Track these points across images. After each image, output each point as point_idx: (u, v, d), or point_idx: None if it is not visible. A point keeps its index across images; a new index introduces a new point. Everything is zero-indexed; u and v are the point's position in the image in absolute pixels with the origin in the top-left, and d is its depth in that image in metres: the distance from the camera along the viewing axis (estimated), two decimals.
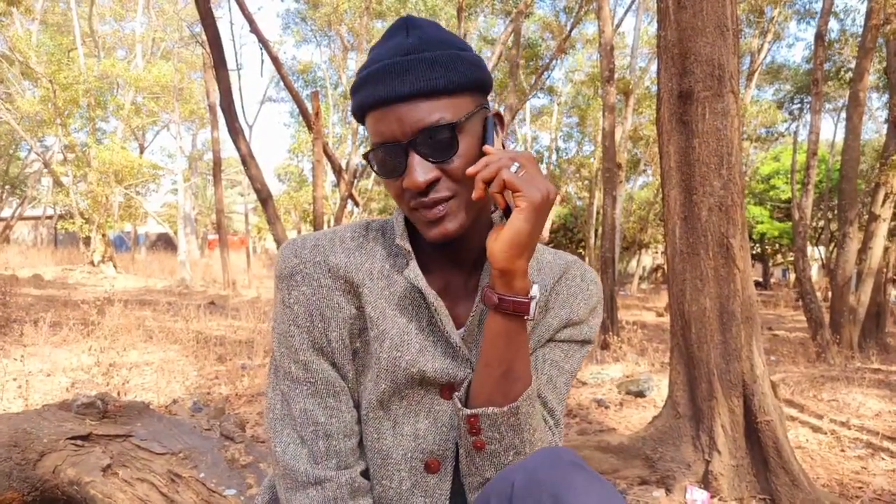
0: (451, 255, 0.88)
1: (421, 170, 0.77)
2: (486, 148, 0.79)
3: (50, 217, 23.51)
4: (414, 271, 0.85)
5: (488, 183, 0.75)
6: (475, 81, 0.80)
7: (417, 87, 0.76)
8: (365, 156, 0.82)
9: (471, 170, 0.76)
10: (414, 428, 0.87)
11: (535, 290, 0.79)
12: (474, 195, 0.76)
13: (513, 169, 0.75)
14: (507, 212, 0.77)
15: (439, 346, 0.86)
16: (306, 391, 0.85)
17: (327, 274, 0.86)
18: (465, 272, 0.89)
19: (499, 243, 0.75)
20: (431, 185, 0.78)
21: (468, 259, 0.89)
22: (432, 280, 0.88)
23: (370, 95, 0.78)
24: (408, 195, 0.80)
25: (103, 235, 14.35)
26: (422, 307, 0.87)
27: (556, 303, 0.92)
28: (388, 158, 0.79)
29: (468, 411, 0.81)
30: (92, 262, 14.22)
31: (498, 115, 0.86)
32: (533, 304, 0.78)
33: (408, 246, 0.86)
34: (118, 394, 3.66)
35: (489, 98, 0.88)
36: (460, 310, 0.89)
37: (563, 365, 0.92)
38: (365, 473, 0.88)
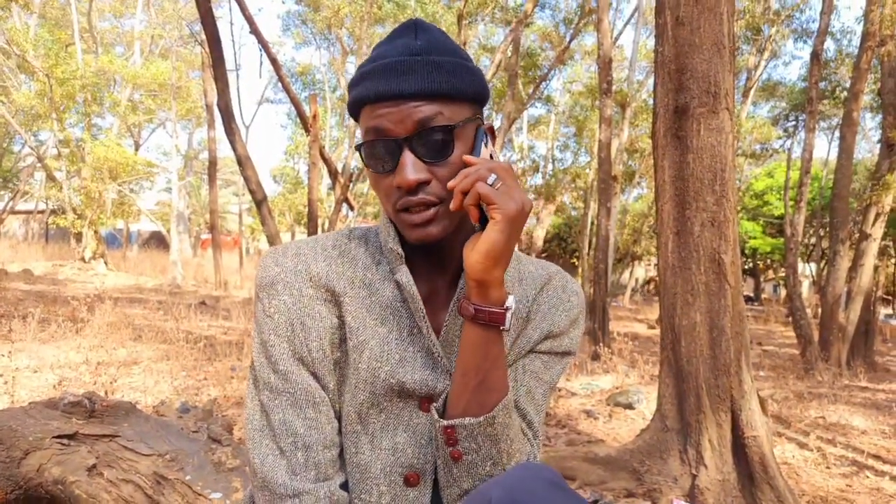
0: (435, 262, 0.88)
1: (413, 168, 0.77)
2: (467, 158, 0.80)
3: (42, 212, 23.36)
4: (406, 275, 0.85)
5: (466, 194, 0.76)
6: (475, 92, 0.82)
7: (421, 87, 0.77)
8: (357, 147, 0.82)
9: (451, 183, 0.77)
10: (392, 442, 0.87)
11: (510, 301, 0.79)
12: (452, 206, 0.77)
13: (490, 181, 0.75)
14: (482, 223, 0.78)
15: (419, 356, 0.86)
16: (286, 402, 0.84)
17: (308, 283, 0.85)
18: (446, 280, 0.89)
19: (475, 254, 0.76)
20: (421, 185, 0.78)
21: (451, 267, 0.89)
22: (416, 286, 0.88)
23: (372, 89, 0.78)
24: (395, 194, 0.80)
25: (95, 232, 14.27)
26: (403, 317, 0.86)
27: (537, 314, 0.92)
28: (382, 153, 0.79)
29: (444, 422, 0.81)
30: (83, 259, 14.13)
31: (490, 129, 0.87)
32: (508, 315, 0.78)
33: (400, 250, 0.86)
34: (106, 393, 3.63)
35: (485, 108, 0.89)
36: (439, 318, 0.89)
37: (543, 376, 0.92)
38: (345, 486, 0.87)
